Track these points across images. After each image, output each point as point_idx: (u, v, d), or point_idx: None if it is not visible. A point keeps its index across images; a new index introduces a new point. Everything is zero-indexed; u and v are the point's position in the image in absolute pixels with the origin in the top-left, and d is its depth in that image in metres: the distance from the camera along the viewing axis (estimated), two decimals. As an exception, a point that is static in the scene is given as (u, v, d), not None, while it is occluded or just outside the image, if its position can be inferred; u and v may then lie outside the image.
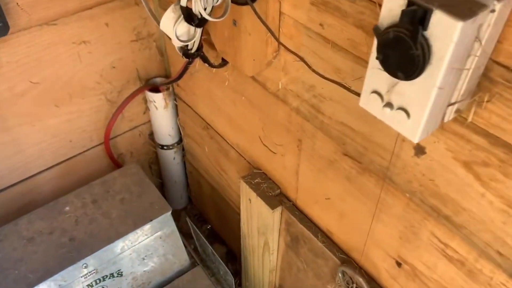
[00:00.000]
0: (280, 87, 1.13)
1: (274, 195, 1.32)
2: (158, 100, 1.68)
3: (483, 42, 0.61)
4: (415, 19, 0.57)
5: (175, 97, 1.72)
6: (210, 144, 1.64)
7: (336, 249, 1.21)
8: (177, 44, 1.11)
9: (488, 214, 0.78)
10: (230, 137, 1.49)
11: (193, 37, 1.11)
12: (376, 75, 0.67)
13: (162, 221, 1.51)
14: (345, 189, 1.08)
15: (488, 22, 0.59)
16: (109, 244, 1.42)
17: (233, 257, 1.89)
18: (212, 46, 1.26)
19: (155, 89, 1.70)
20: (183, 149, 1.89)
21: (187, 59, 1.21)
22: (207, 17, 0.97)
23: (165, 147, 1.84)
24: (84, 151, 1.74)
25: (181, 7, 1.01)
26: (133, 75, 1.69)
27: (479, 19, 0.56)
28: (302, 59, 0.94)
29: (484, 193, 0.78)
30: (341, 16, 0.87)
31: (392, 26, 0.60)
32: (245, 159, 1.46)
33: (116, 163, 1.81)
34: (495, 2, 0.58)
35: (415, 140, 0.67)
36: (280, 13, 1.01)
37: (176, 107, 1.76)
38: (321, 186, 1.17)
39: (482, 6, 0.56)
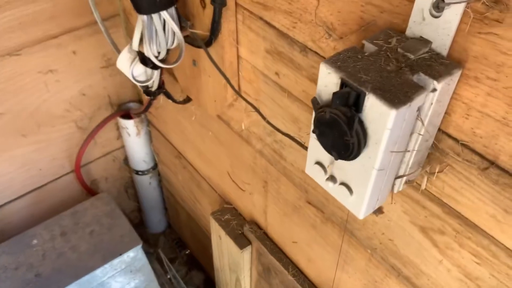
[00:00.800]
0: (243, 128, 1.08)
1: (246, 230, 1.27)
2: (130, 127, 1.64)
3: (425, 121, 0.57)
4: (349, 101, 0.53)
5: (148, 123, 1.68)
6: (183, 173, 1.60)
7: (308, 284, 1.17)
8: (136, 83, 1.07)
9: (446, 281, 0.74)
10: (202, 169, 1.45)
11: (151, 77, 1.06)
12: (317, 147, 0.63)
13: (133, 255, 1.47)
14: (311, 236, 1.04)
15: (430, 101, 0.55)
16: (76, 280, 1.38)
17: (211, 284, 1.86)
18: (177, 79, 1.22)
19: (129, 115, 1.65)
20: (159, 174, 1.85)
21: (150, 97, 1.17)
22: (158, 63, 0.93)
23: (140, 173, 1.80)
24: (56, 179, 1.70)
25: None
26: (104, 101, 1.65)
27: (415, 103, 0.52)
28: (256, 110, 0.90)
29: (441, 260, 0.74)
30: (295, 68, 0.82)
31: (329, 104, 0.56)
32: (216, 192, 1.42)
33: (88, 190, 1.77)
34: (435, 83, 0.53)
35: (360, 217, 0.63)
36: (239, 57, 0.96)
37: (150, 133, 1.71)
38: (288, 230, 1.13)
39: (419, 89, 0.52)
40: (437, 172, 0.66)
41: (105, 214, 1.56)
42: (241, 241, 1.26)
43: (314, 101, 0.57)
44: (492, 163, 0.59)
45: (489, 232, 0.64)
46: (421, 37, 0.57)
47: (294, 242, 1.13)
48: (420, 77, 0.54)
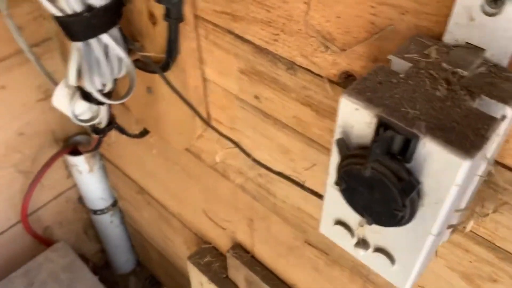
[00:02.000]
0: (217, 160, 0.91)
1: (230, 256, 1.08)
2: (80, 164, 1.42)
3: (489, 157, 0.41)
4: (392, 147, 0.37)
5: (102, 157, 1.46)
6: (148, 210, 1.40)
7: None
8: (79, 123, 0.87)
9: (500, 333, 0.60)
10: (170, 206, 1.26)
11: (98, 114, 0.87)
12: (339, 202, 0.46)
13: (101, 314, 1.26)
14: (313, 279, 0.88)
15: (497, 133, 0.39)
16: None
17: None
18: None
19: (78, 150, 1.43)
20: (121, 211, 1.64)
21: (99, 135, 0.97)
22: (104, 99, 0.73)
23: (98, 212, 1.58)
24: (1, 233, 1.45)
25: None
26: (47, 138, 1.42)
27: (490, 142, 0.37)
28: (234, 143, 0.72)
29: (493, 311, 0.59)
30: (281, 90, 0.66)
31: (363, 154, 0.39)
32: (190, 230, 1.24)
33: (42, 239, 1.53)
34: (507, 108, 0.38)
35: (405, 289, 0.48)
36: (205, 80, 0.78)
37: (104, 168, 1.50)
38: (284, 271, 0.96)
39: (491, 121, 0.36)
40: (491, 213, 0.51)
41: (63, 267, 1.34)
42: (227, 285, 1.08)
43: (341, 144, 0.41)
44: None
45: None
46: (467, 43, 0.42)
47: (293, 284, 0.97)
48: (484, 102, 0.39)
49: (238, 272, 1.07)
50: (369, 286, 0.76)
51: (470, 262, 0.58)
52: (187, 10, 0.69)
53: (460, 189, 0.36)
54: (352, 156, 0.39)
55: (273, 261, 0.98)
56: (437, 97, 0.38)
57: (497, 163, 0.48)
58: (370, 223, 0.42)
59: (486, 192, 0.50)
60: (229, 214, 1.01)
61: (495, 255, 0.54)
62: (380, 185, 0.38)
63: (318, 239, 0.80)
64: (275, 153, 0.74)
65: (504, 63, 0.41)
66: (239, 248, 1.07)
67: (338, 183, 0.43)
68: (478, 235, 0.54)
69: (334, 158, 0.44)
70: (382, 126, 0.37)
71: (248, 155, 0.72)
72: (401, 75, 0.40)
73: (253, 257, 1.05)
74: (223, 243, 1.11)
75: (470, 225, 0.53)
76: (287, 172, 0.73)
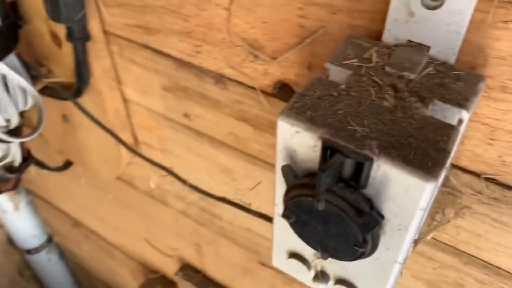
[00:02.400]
0: (153, 186, 0.83)
1: (179, 279, 0.99)
2: (3, 203, 1.27)
3: (447, 167, 0.37)
4: (343, 173, 0.32)
5: (28, 192, 1.33)
6: (87, 243, 1.28)
7: None
8: (-13, 165, 0.75)
9: (471, 337, 0.57)
10: (109, 237, 1.16)
11: (8, 152, 0.76)
12: (290, 234, 0.40)
13: None
14: (272, 299, 0.83)
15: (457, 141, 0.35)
16: None
17: None
18: (49, 140, 0.92)
19: (-2, 187, 1.29)
20: (58, 246, 1.50)
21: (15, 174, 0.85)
22: (8, 138, 0.63)
23: (33, 251, 1.43)
24: None
25: (-29, 124, 0.66)
26: (-40, 179, 1.26)
27: (452, 155, 0.32)
28: (169, 171, 0.65)
29: (462, 315, 0.56)
30: (212, 106, 0.59)
31: (311, 182, 0.33)
32: (135, 260, 1.14)
33: (-31, 292, 1.37)
34: (463, 112, 0.34)
35: (374, 319, 0.43)
36: (126, 101, 0.70)
37: (33, 203, 1.36)
38: (240, 292, 0.90)
39: (450, 130, 0.31)
40: (452, 219, 0.47)
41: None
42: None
43: (287, 171, 0.35)
44: (536, 199, 0.41)
45: (534, 281, 0.47)
46: (409, 41, 0.37)
47: (250, 306, 0.90)
48: (437, 108, 0.34)
49: None
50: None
51: (434, 269, 0.54)
52: (94, 27, 0.60)
53: (425, 211, 0.31)
54: (301, 186, 0.34)
55: (227, 282, 0.91)
56: (385, 108, 0.33)
57: (453, 166, 0.44)
58: (325, 258, 0.37)
59: (445, 199, 0.46)
60: (173, 241, 0.93)
61: (459, 259, 0.51)
62: (336, 219, 0.32)
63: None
64: (215, 174, 0.68)
65: (452, 60, 0.36)
66: (188, 269, 0.98)
67: (286, 215, 0.37)
68: (440, 241, 0.51)
69: (280, 187, 0.38)
70: (328, 149, 0.31)
71: (183, 181, 0.65)
72: (341, 86, 0.35)
73: (205, 276, 0.97)
74: (172, 270, 1.03)
75: (431, 233, 0.49)
76: (230, 194, 0.67)
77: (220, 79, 0.55)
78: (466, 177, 0.44)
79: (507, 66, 0.36)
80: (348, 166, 0.31)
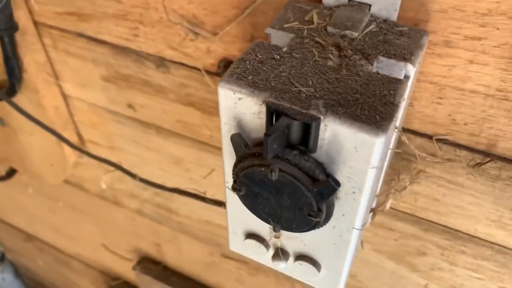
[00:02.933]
0: (104, 187, 0.78)
1: (138, 273, 0.91)
2: None
3: (398, 125, 0.36)
4: (291, 137, 0.30)
5: (-28, 209, 1.24)
6: (42, 257, 1.22)
7: None
8: None
9: (437, 305, 0.57)
10: (65, 247, 1.10)
11: None
12: (245, 213, 0.38)
13: None
14: (238, 291, 0.80)
15: (404, 96, 0.34)
16: None
17: None
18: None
19: None
20: (11, 264, 1.42)
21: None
22: None
23: (-16, 272, 1.35)
24: None
25: None
26: None
27: (400, 109, 0.31)
28: (117, 166, 0.61)
29: (426, 284, 0.56)
30: (156, 93, 0.56)
31: (258, 151, 0.31)
32: (95, 269, 1.09)
33: None
34: (409, 66, 0.32)
35: (338, 294, 0.41)
36: (66, 97, 0.66)
37: (-21, 220, 1.28)
38: (207, 281, 0.87)
39: (397, 84, 0.30)
40: (409, 185, 0.46)
41: None
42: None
43: (237, 140, 0.32)
44: (488, 155, 0.41)
45: (492, 240, 0.47)
46: (350, 1, 0.36)
47: (218, 302, 0.88)
48: (383, 64, 0.33)
49: None
50: (298, 287, 0.70)
51: (396, 240, 0.53)
52: (22, 16, 0.56)
53: (377, 170, 0.30)
54: (250, 156, 0.31)
55: (192, 274, 0.88)
56: (330, 67, 0.31)
57: (404, 130, 0.43)
58: (277, 231, 0.35)
59: (400, 164, 0.45)
60: (132, 243, 0.89)
61: (419, 227, 0.50)
62: (290, 189, 0.30)
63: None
64: (167, 166, 0.65)
65: (394, 16, 0.35)
66: (147, 262, 0.91)
67: (236, 188, 0.34)
68: (399, 210, 0.50)
69: (228, 161, 0.35)
70: (273, 113, 0.29)
71: (133, 175, 0.61)
72: (284, 49, 0.33)
73: (165, 267, 0.90)
74: (133, 275, 0.99)
75: (389, 203, 0.49)
76: (184, 185, 0.64)
77: (161, 62, 0.52)
78: (419, 140, 0.43)
79: (449, 19, 0.35)
80: (295, 130, 0.29)
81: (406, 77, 0.33)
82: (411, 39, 0.34)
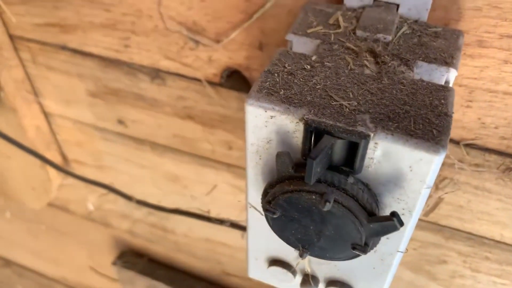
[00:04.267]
0: (91, 209, 0.73)
1: (119, 268, 0.78)
2: None
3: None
4: (333, 158, 0.26)
5: None
6: (22, 282, 1.14)
7: None
8: None
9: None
10: (49, 272, 1.03)
11: None
12: (270, 237, 0.34)
13: None
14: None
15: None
16: None
17: None
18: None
19: None
20: (-12, 291, 1.33)
21: None
22: None
23: (-41, 302, 1.26)
24: None
25: None
26: None
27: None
28: (108, 187, 0.57)
29: (446, 292, 0.54)
30: (150, 107, 0.52)
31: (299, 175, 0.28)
32: (81, 292, 1.03)
33: None
34: (451, 70, 0.30)
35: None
36: (48, 115, 0.61)
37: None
38: None
39: (445, 92, 0.27)
40: (433, 193, 0.44)
41: None
42: None
43: (285, 160, 0.28)
44: (520, 158, 0.39)
45: (520, 245, 0.45)
46: (375, 1, 0.33)
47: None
48: (423, 70, 0.30)
49: (134, 287, 0.79)
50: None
51: (415, 249, 0.51)
52: (-4, 31, 0.51)
53: (428, 189, 0.27)
54: (292, 178, 0.28)
55: (184, 266, 0.84)
56: (368, 76, 0.28)
57: (429, 136, 0.40)
58: (304, 257, 0.31)
59: (424, 172, 0.42)
60: (123, 264, 0.83)
61: (442, 235, 0.48)
62: (340, 221, 0.27)
63: (237, 267, 0.68)
64: (163, 183, 0.60)
65: (425, 16, 0.32)
66: (129, 255, 0.79)
67: (269, 209, 0.30)
68: (420, 219, 0.47)
69: (253, 181, 0.32)
70: (312, 132, 0.26)
71: (128, 197, 0.57)
72: (313, 58, 0.29)
73: (151, 260, 0.78)
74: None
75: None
76: (184, 203, 0.60)
77: (156, 74, 0.48)
78: (445, 147, 0.40)
79: (483, 17, 0.32)
80: (339, 149, 0.26)
81: (447, 82, 0.30)
82: (447, 40, 0.31)
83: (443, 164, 0.41)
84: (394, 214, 0.26)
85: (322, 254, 0.31)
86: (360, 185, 0.27)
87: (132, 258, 0.78)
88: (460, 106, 0.37)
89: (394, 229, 0.26)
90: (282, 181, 0.27)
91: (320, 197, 0.26)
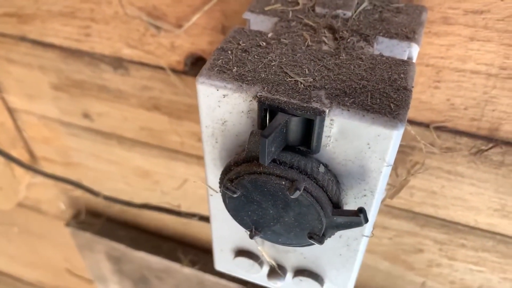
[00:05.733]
0: (63, 208, 0.71)
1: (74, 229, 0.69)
2: None
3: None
4: (288, 137, 0.25)
5: None
6: (-1, 288, 1.11)
7: None
8: None
9: (436, 302, 0.54)
10: (25, 276, 1.00)
11: None
12: (235, 228, 0.33)
13: None
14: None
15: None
16: None
17: None
18: None
19: None
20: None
21: None
22: None
23: None
24: None
25: None
26: None
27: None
28: (77, 185, 0.55)
29: (424, 281, 0.53)
30: (115, 98, 0.50)
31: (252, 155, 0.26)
32: (59, 295, 1.00)
33: None
34: (413, 46, 0.28)
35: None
36: (12, 111, 0.58)
37: None
38: None
39: (405, 67, 0.26)
40: (404, 179, 0.43)
41: None
42: None
43: (258, 140, 0.26)
44: (491, 140, 0.38)
45: (494, 230, 0.44)
46: (336, -22, 0.32)
47: None
48: (383, 46, 0.28)
49: (93, 253, 0.68)
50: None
51: (390, 238, 0.50)
52: (-49, 22, 0.48)
53: (389, 169, 0.26)
54: (257, 160, 0.26)
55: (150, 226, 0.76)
56: (326, 52, 0.27)
57: (398, 120, 0.39)
58: (253, 238, 0.29)
59: (396, 157, 0.41)
60: (99, 265, 0.81)
61: (416, 223, 0.47)
62: (304, 210, 0.25)
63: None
64: (132, 179, 0.59)
65: (387, -8, 0.31)
66: (85, 215, 0.68)
67: (230, 188, 0.28)
68: (393, 207, 0.46)
69: (211, 165, 0.30)
70: (267, 110, 0.25)
71: (95, 193, 0.55)
72: (269, 35, 0.28)
73: (110, 219, 0.68)
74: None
75: (384, 200, 0.45)
76: (155, 198, 0.58)
77: (119, 63, 0.46)
78: (415, 130, 0.39)
79: (447, -8, 0.31)
80: (294, 127, 0.25)
81: (410, 58, 0.29)
82: (409, 16, 0.30)
83: (414, 148, 0.40)
84: (361, 210, 0.25)
85: (275, 238, 0.29)
86: (330, 175, 0.25)
87: (88, 218, 0.68)
88: (428, 87, 0.36)
89: (359, 225, 0.25)
90: (250, 161, 0.26)
91: (291, 184, 0.24)
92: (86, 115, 0.54)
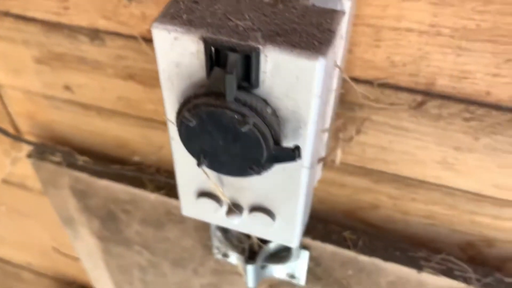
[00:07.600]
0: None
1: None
2: None
3: (339, 65, 0.36)
4: (231, 71, 0.29)
5: None
6: (-12, 272, 1.14)
7: None
8: None
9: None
10: (13, 257, 1.04)
11: None
12: (193, 169, 0.37)
13: None
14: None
15: (341, 30, 0.34)
16: None
17: None
18: None
19: None
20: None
21: None
22: None
23: None
24: None
25: None
26: None
27: (337, 39, 0.31)
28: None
29: (382, 238, 0.57)
30: (93, 69, 0.54)
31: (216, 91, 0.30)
32: (47, 276, 1.03)
33: None
34: (342, 1, 0.33)
35: (294, 246, 0.41)
36: (-3, 86, 0.62)
37: None
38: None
39: (333, 15, 0.30)
40: (355, 134, 0.47)
41: None
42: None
43: (219, 77, 0.29)
44: (427, 94, 0.42)
45: (441, 182, 0.48)
46: None
47: None
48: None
49: (57, 189, 0.65)
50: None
51: (348, 196, 0.54)
52: None
53: (321, 101, 0.30)
54: (216, 95, 0.30)
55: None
56: (266, 3, 0.31)
57: (347, 79, 0.43)
58: (199, 165, 0.33)
59: (345, 114, 0.46)
60: (85, 241, 0.85)
61: (370, 179, 0.51)
62: (250, 143, 0.30)
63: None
64: (112, 150, 0.62)
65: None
66: (46, 146, 0.63)
67: (186, 117, 0.31)
68: (348, 164, 0.51)
69: (170, 100, 0.34)
70: (210, 49, 0.29)
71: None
72: (216, -11, 0.32)
73: (74, 148, 0.63)
74: (87, 277, 0.95)
75: (339, 156, 0.49)
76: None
77: (95, 35, 0.50)
78: (361, 88, 0.43)
79: (378, -44, 0.36)
80: (233, 64, 0.29)
81: (342, 10, 0.33)
82: (343, -25, 0.34)
83: (362, 106, 0.45)
84: (297, 148, 0.29)
85: (219, 167, 0.33)
86: (275, 117, 0.30)
87: (51, 149, 0.63)
88: (370, 47, 0.41)
89: (293, 159, 0.29)
90: (209, 95, 0.30)
91: (243, 118, 0.28)
92: (67, 87, 0.57)
